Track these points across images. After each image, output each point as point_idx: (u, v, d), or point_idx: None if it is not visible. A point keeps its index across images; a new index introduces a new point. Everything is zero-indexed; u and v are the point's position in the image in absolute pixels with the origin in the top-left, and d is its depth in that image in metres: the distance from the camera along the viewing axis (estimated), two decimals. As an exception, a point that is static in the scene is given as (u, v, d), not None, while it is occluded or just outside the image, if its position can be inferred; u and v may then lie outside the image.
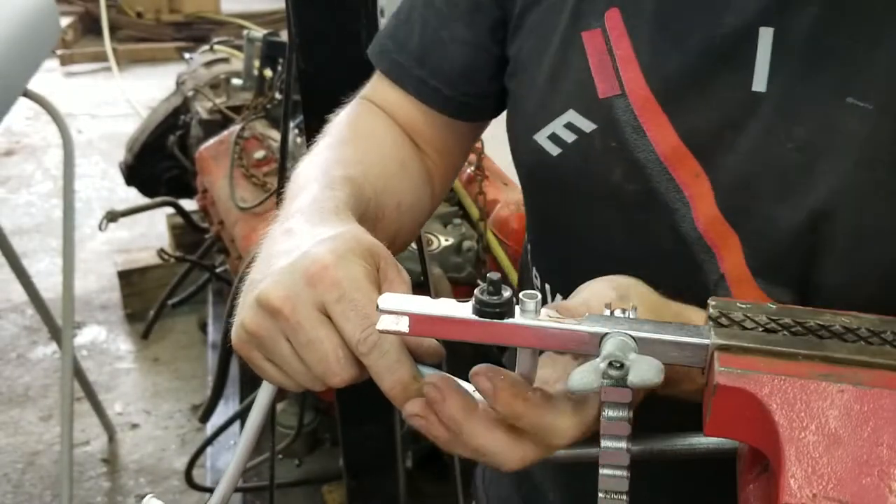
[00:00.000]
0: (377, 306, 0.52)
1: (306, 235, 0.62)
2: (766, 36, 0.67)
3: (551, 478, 0.90)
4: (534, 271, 0.87)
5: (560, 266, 0.84)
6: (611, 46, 0.72)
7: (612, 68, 0.72)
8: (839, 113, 0.66)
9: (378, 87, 0.89)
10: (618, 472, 0.49)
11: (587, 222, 0.77)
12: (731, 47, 0.68)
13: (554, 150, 0.75)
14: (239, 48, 3.00)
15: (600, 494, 0.49)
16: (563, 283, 0.80)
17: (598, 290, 0.58)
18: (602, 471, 0.49)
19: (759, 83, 0.67)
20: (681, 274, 0.72)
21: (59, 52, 6.27)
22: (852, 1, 0.66)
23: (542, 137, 0.75)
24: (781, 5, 0.66)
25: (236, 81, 2.87)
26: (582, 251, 0.79)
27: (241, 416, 2.26)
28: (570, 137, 0.74)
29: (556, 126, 0.74)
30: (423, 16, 0.84)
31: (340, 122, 0.87)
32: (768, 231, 0.69)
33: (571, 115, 0.74)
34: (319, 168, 0.75)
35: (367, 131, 0.85)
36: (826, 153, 0.66)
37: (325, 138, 0.83)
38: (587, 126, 0.73)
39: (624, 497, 0.49)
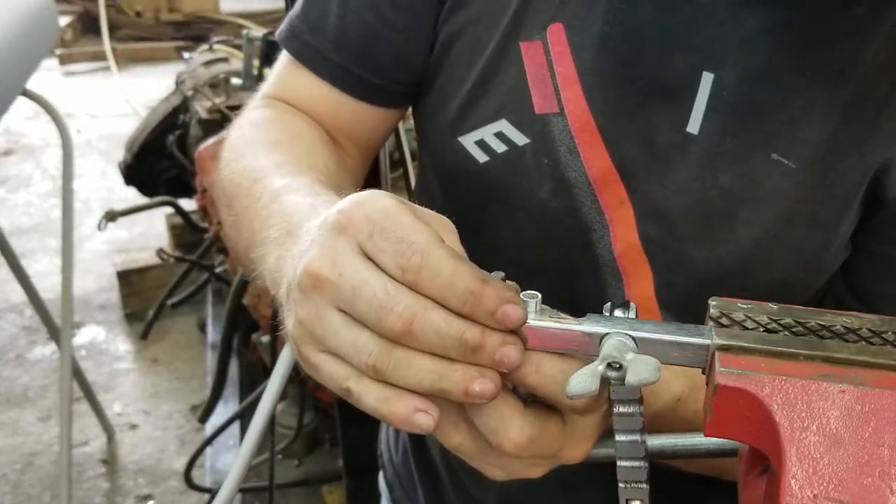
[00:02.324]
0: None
1: (320, 207, 0.55)
2: (707, 80, 0.67)
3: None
4: None
5: None
6: (551, 62, 0.70)
7: (552, 85, 0.70)
8: (763, 167, 0.67)
9: (286, 77, 0.82)
10: (636, 463, 0.49)
11: (503, 229, 0.76)
12: (676, 86, 0.68)
13: (481, 157, 0.73)
14: (238, 47, 2.99)
15: (620, 485, 0.50)
16: None
17: None
18: (620, 463, 0.49)
19: (694, 125, 0.68)
20: (585, 292, 0.73)
21: (57, 51, 6.27)
22: (789, 60, 0.66)
23: (468, 141, 0.73)
24: (725, 53, 0.67)
25: (235, 81, 2.86)
26: (493, 255, 0.76)
27: (241, 416, 2.26)
28: (499, 147, 0.72)
29: (486, 133, 0.72)
30: None
31: (256, 124, 0.78)
32: (682, 269, 0.70)
33: (503, 125, 0.72)
34: (264, 172, 0.68)
35: (293, 134, 0.76)
36: (747, 204, 0.68)
37: (247, 145, 0.75)
38: (520, 139, 0.71)
39: (644, 486, 0.49)
